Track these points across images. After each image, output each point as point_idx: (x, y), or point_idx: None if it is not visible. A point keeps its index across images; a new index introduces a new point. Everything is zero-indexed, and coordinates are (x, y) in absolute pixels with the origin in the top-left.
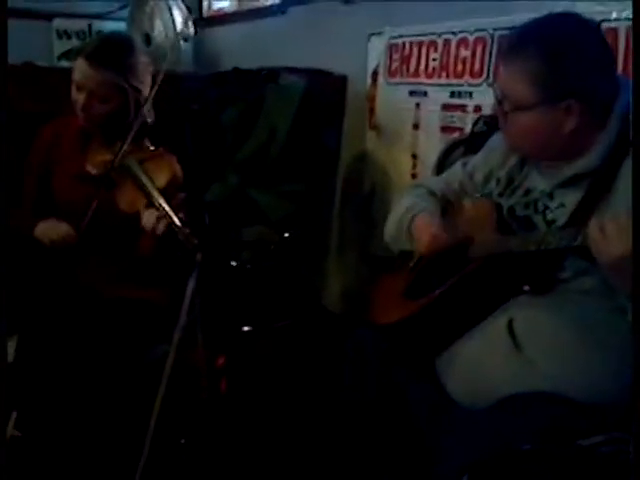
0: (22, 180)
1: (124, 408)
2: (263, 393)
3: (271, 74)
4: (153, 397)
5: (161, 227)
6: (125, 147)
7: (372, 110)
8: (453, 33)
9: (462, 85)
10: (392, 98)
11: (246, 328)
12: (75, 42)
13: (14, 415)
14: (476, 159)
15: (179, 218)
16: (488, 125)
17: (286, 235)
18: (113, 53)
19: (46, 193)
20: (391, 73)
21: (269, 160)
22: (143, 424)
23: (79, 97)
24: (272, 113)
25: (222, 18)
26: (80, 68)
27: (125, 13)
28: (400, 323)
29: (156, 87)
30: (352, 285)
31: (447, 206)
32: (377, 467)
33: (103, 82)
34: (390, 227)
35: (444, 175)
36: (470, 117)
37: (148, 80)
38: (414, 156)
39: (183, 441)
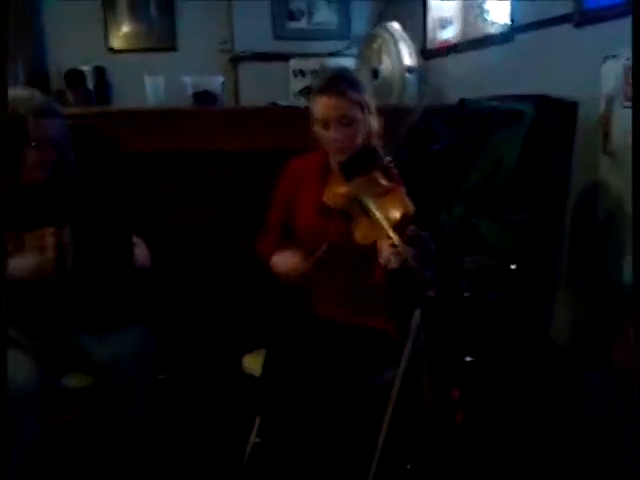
0: (269, 210)
1: (353, 425)
2: (489, 424)
3: (498, 104)
4: (380, 418)
5: (394, 262)
6: (361, 182)
7: (606, 135)
8: None
9: None
10: (629, 123)
11: (469, 359)
12: (309, 80)
13: (257, 423)
14: None
15: (411, 253)
16: None
17: (513, 267)
18: (344, 82)
19: (289, 223)
20: (628, 97)
21: (495, 190)
22: (371, 443)
23: (326, 132)
24: (499, 142)
25: (447, 48)
26: (320, 104)
27: (353, 50)
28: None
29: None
30: (581, 319)
31: None
32: None
33: (343, 107)
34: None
35: None
36: None
37: (375, 112)
38: None
39: (409, 466)
